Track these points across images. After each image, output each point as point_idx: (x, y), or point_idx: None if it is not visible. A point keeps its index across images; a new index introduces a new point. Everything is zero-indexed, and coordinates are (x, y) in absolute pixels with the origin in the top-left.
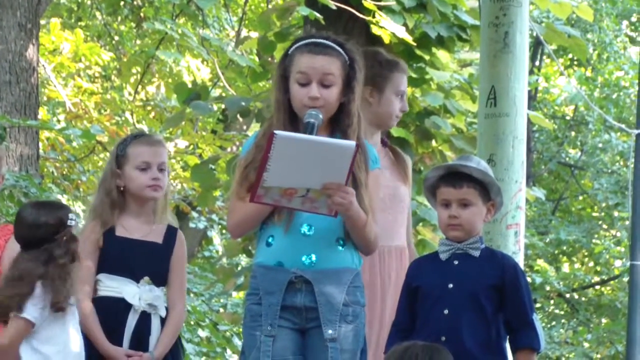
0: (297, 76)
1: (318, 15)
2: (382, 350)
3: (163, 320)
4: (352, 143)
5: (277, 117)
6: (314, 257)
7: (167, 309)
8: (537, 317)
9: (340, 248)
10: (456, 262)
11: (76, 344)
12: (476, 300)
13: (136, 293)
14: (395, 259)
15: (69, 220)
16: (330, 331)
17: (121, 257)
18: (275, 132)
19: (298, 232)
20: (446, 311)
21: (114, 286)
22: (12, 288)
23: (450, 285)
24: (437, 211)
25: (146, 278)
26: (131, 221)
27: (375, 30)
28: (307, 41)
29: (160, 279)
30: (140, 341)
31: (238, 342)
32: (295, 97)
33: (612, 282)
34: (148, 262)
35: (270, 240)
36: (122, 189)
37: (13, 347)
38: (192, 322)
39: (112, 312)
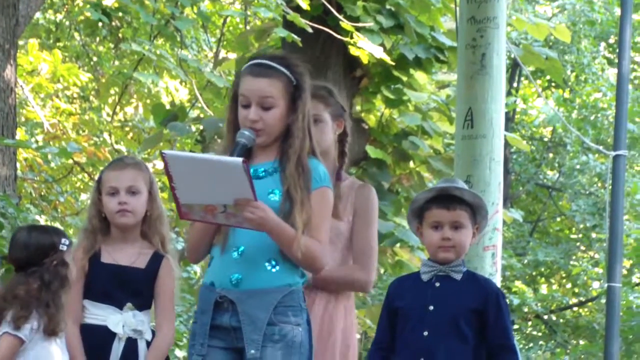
0: (240, 98)
1: (295, 37)
2: None
3: (148, 344)
4: (237, 160)
5: (227, 137)
6: (239, 277)
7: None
8: (515, 342)
9: (270, 268)
10: (437, 284)
11: None
12: (456, 323)
13: (120, 320)
14: None
15: (61, 245)
16: (252, 351)
17: (104, 284)
18: (163, 152)
19: (229, 253)
20: (426, 333)
21: (98, 314)
22: (11, 307)
23: (431, 307)
24: (423, 232)
25: (129, 304)
26: (115, 247)
27: (353, 50)
28: (252, 62)
29: (144, 303)
30: None
31: None
32: (239, 119)
33: (589, 303)
34: (130, 288)
35: (211, 260)
36: (101, 215)
37: None
38: None
39: (97, 340)
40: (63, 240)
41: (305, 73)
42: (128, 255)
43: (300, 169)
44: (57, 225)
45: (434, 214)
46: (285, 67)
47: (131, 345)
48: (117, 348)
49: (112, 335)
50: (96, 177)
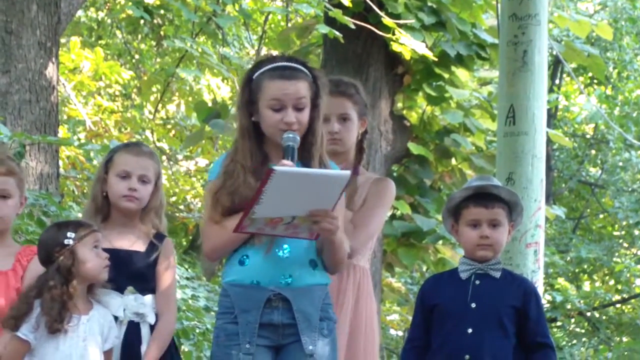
0: (270, 102)
1: (337, 33)
2: None
3: (153, 328)
4: (347, 173)
5: (242, 143)
6: (290, 277)
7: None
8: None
9: (312, 268)
10: (477, 282)
11: None
12: (500, 320)
13: (120, 304)
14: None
15: (66, 239)
16: (310, 347)
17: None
18: (274, 167)
19: (275, 253)
20: (470, 330)
21: (100, 299)
22: (13, 306)
23: (473, 305)
24: (460, 230)
25: (130, 288)
26: (115, 230)
27: (395, 47)
28: (274, 65)
29: (146, 287)
30: (131, 351)
31: None
32: (268, 123)
33: (633, 300)
34: (131, 272)
35: (244, 260)
36: (105, 195)
37: None
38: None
39: None
40: (69, 234)
41: (322, 73)
42: (127, 239)
43: (323, 167)
44: None
45: (472, 212)
46: (305, 68)
47: (134, 329)
48: (120, 331)
49: (115, 319)
50: (105, 156)
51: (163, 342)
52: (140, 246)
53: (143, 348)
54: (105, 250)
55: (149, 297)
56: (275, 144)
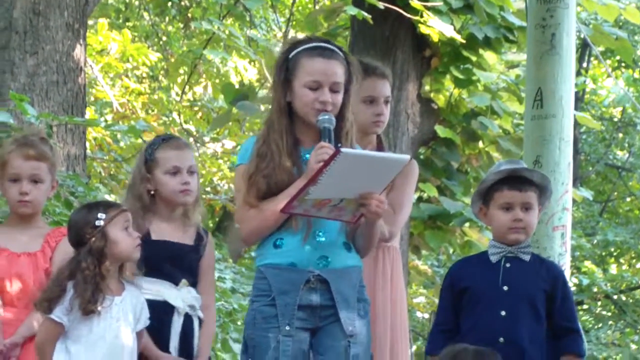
0: (307, 81)
1: (366, 14)
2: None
3: (200, 321)
4: (406, 157)
5: (277, 122)
6: (327, 258)
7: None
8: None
9: (348, 250)
10: (508, 265)
11: (110, 342)
12: (533, 303)
13: (177, 296)
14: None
15: (97, 220)
16: (350, 328)
17: (158, 260)
18: (342, 149)
19: (313, 235)
20: (503, 313)
21: (154, 289)
22: (46, 289)
23: (505, 288)
24: (491, 213)
25: (184, 280)
26: (163, 224)
27: (422, 29)
28: (314, 45)
29: (194, 280)
30: (186, 343)
31: None
32: (303, 101)
33: None
34: (183, 264)
35: (279, 242)
36: (152, 192)
37: (44, 347)
38: (239, 322)
39: (155, 315)
40: (99, 214)
41: (354, 59)
42: (175, 232)
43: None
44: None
45: (505, 195)
46: (341, 52)
47: (187, 321)
48: (178, 322)
49: (170, 310)
50: (142, 154)
51: (213, 334)
52: (189, 239)
53: (195, 340)
54: (158, 242)
55: (196, 291)
56: (307, 126)
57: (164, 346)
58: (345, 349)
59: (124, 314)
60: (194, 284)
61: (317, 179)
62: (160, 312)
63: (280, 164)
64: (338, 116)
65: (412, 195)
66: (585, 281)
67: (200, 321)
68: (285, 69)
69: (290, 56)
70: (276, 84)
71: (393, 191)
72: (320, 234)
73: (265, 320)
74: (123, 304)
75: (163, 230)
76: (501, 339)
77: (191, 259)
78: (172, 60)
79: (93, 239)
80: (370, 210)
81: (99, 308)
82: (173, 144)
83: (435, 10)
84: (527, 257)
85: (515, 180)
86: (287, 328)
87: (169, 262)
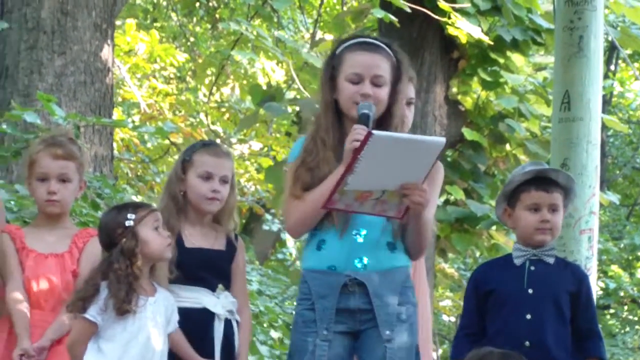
0: (348, 74)
1: (392, 17)
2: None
3: (238, 325)
4: (442, 140)
5: (324, 119)
6: (366, 260)
7: None
8: None
9: (391, 251)
10: (533, 268)
11: (142, 342)
12: (558, 305)
13: (217, 302)
14: None
15: (127, 221)
16: (387, 332)
17: (193, 267)
18: (373, 131)
19: (350, 237)
20: (529, 316)
21: (192, 297)
22: (79, 289)
23: (530, 291)
24: (517, 214)
25: (220, 286)
26: (194, 230)
27: (451, 30)
28: (357, 40)
29: (228, 285)
30: (228, 347)
31: None
32: (345, 95)
33: None
34: (217, 270)
35: (321, 244)
36: (182, 194)
37: (76, 346)
38: (265, 324)
39: (196, 323)
40: (129, 215)
41: (405, 57)
42: (206, 237)
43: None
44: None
45: (533, 196)
46: (389, 48)
47: (227, 325)
48: (219, 328)
49: (210, 316)
50: (181, 155)
51: (249, 337)
52: (220, 245)
53: (236, 343)
54: (191, 249)
55: (231, 295)
56: (353, 122)
57: (210, 353)
58: (383, 354)
59: (158, 314)
60: (227, 288)
61: (352, 166)
62: (201, 319)
63: (325, 157)
64: (385, 113)
65: (437, 198)
66: (612, 285)
67: (238, 324)
68: (331, 67)
69: (337, 53)
70: (322, 82)
71: None
72: (360, 234)
73: (305, 324)
74: (156, 304)
75: (195, 237)
76: (527, 343)
77: (224, 264)
78: (200, 61)
79: (124, 239)
80: (413, 201)
81: (134, 308)
82: (212, 150)
83: (463, 12)
84: (551, 260)
85: (541, 181)
86: (325, 332)
87: (204, 268)
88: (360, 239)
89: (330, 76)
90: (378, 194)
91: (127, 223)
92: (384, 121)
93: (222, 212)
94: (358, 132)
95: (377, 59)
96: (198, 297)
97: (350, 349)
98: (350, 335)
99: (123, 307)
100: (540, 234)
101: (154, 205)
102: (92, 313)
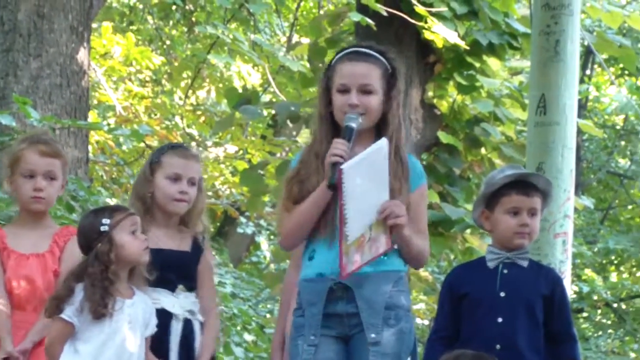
0: (337, 85)
1: (369, 21)
2: None
3: (200, 325)
4: (383, 140)
5: (318, 130)
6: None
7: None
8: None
9: (382, 257)
10: (505, 271)
11: (118, 343)
12: (530, 309)
13: (175, 302)
14: None
15: (102, 226)
16: (372, 335)
17: (156, 268)
18: (342, 167)
19: (338, 243)
20: (500, 319)
21: (152, 297)
22: (56, 290)
23: (503, 294)
24: (496, 218)
25: (181, 286)
26: (160, 230)
27: (427, 35)
28: (347, 50)
29: (193, 285)
30: (187, 348)
31: None
32: (336, 106)
33: None
34: (181, 271)
35: (312, 255)
36: (150, 195)
37: (53, 346)
38: (238, 327)
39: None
40: (104, 220)
41: (400, 63)
42: (172, 239)
43: (399, 158)
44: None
45: (513, 199)
46: (381, 55)
47: (187, 326)
48: (177, 328)
49: (168, 317)
50: (150, 156)
51: (216, 336)
52: (186, 246)
53: (196, 344)
54: (156, 251)
55: (195, 295)
56: None
57: (165, 353)
58: (367, 358)
59: (135, 317)
60: (192, 289)
61: (343, 215)
62: (159, 319)
63: (317, 169)
64: (380, 121)
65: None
66: (586, 289)
67: (202, 325)
68: (327, 78)
69: (331, 65)
70: (318, 94)
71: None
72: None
73: (296, 330)
74: (134, 307)
75: (160, 238)
76: (498, 346)
77: (188, 265)
78: (176, 64)
79: (99, 244)
80: (395, 218)
81: (111, 311)
82: (180, 152)
83: (440, 16)
84: (524, 263)
85: (522, 185)
86: (312, 337)
87: (167, 269)
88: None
89: (325, 88)
90: (368, 234)
91: (102, 228)
92: (381, 129)
93: (189, 214)
94: (336, 146)
95: (365, 67)
96: (157, 298)
97: (343, 353)
98: (341, 340)
99: (98, 311)
100: (519, 237)
101: (132, 209)
102: (69, 314)
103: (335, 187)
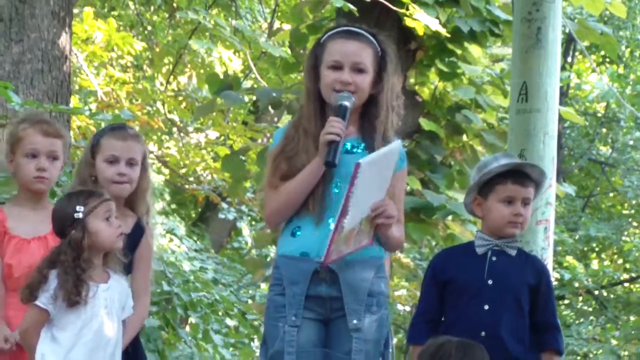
0: (329, 61)
1: (352, 7)
2: None
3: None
4: (398, 142)
5: (307, 107)
6: None
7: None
8: None
9: None
10: (494, 259)
11: (95, 329)
12: (517, 298)
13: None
14: None
15: (76, 213)
16: (355, 321)
17: None
18: (360, 161)
19: (326, 225)
20: (486, 307)
21: None
22: (30, 277)
23: (490, 282)
24: (489, 206)
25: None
26: None
27: (408, 22)
28: (341, 29)
29: (128, 269)
30: None
31: None
32: (326, 82)
33: None
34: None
35: (296, 231)
36: (94, 179)
37: (29, 333)
38: (220, 312)
39: None
40: (78, 207)
41: (390, 47)
42: None
43: (386, 143)
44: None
45: (509, 188)
46: (372, 37)
47: None
48: None
49: None
50: (91, 139)
51: (140, 324)
52: (125, 228)
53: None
54: None
55: (127, 279)
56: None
57: None
58: (350, 344)
59: (111, 301)
60: (128, 272)
61: (347, 207)
62: None
63: (305, 146)
64: (369, 102)
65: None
66: (567, 276)
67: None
68: (315, 56)
69: (321, 42)
70: (306, 70)
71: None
72: (334, 222)
73: (276, 309)
74: (109, 291)
75: None
76: (483, 333)
77: (125, 249)
78: (157, 49)
79: (73, 231)
80: (385, 218)
81: (85, 298)
82: (118, 133)
83: (421, 3)
84: (513, 252)
85: (517, 174)
86: (293, 319)
87: None
88: (333, 227)
89: (313, 65)
90: (357, 227)
91: (75, 215)
92: (367, 110)
93: (134, 195)
94: (332, 124)
95: (357, 46)
96: None
97: (322, 335)
98: (321, 323)
99: (72, 299)
100: (512, 227)
101: (107, 194)
102: (43, 301)
103: (332, 166)
